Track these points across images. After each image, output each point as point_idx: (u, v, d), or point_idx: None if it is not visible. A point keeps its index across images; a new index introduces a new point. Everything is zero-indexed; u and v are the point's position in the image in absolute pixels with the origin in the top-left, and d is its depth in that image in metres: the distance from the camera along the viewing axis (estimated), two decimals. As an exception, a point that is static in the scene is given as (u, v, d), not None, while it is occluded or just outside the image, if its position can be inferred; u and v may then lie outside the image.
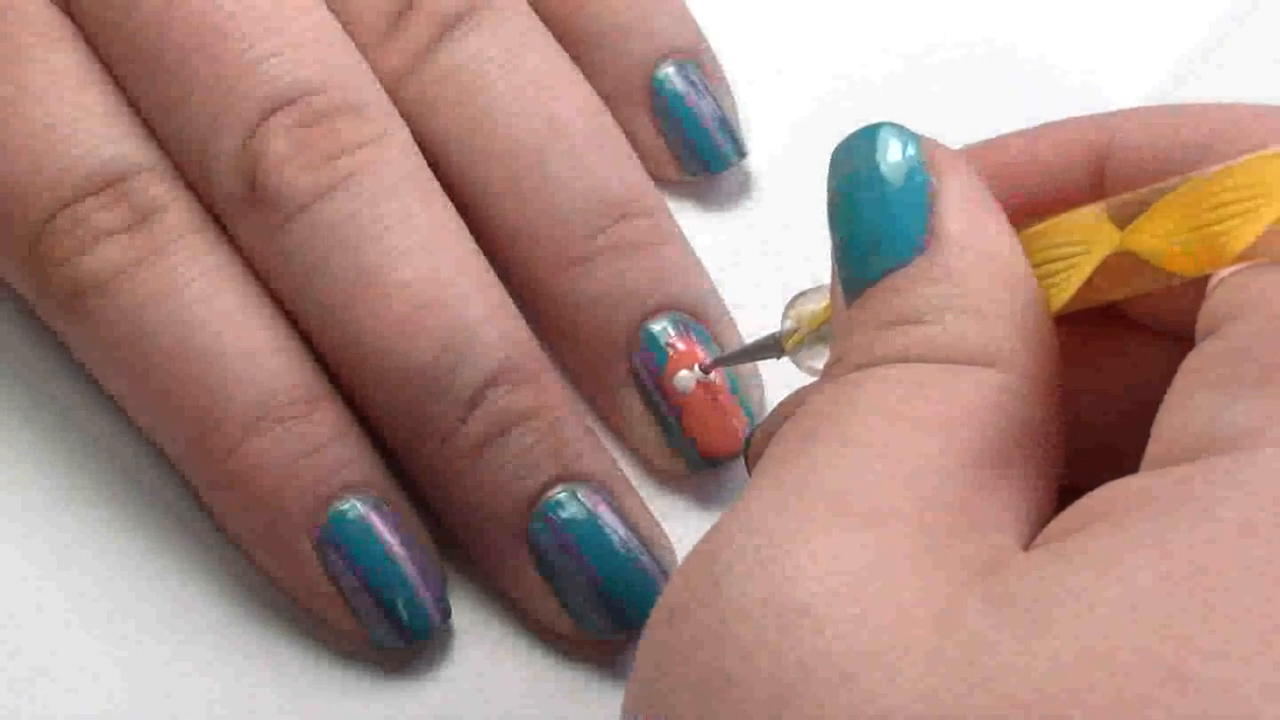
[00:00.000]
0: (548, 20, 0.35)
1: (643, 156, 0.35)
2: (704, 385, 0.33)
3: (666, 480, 0.34)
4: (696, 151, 0.36)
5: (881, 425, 0.23)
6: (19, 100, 0.32)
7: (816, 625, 0.21)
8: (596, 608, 0.32)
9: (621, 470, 0.33)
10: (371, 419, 0.32)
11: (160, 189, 0.32)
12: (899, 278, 0.25)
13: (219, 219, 0.33)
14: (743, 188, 0.37)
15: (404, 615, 0.31)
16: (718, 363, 0.33)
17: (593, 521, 0.32)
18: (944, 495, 0.22)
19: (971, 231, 0.25)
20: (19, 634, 0.32)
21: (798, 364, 0.30)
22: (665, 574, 0.32)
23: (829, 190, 0.26)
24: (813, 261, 0.36)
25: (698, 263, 0.35)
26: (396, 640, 0.32)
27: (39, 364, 0.34)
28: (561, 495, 0.32)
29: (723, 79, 0.37)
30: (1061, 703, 0.19)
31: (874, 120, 0.26)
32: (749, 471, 0.31)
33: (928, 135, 0.26)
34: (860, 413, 0.23)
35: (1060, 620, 0.20)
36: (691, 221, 0.35)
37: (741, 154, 0.36)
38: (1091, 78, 0.38)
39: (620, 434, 0.34)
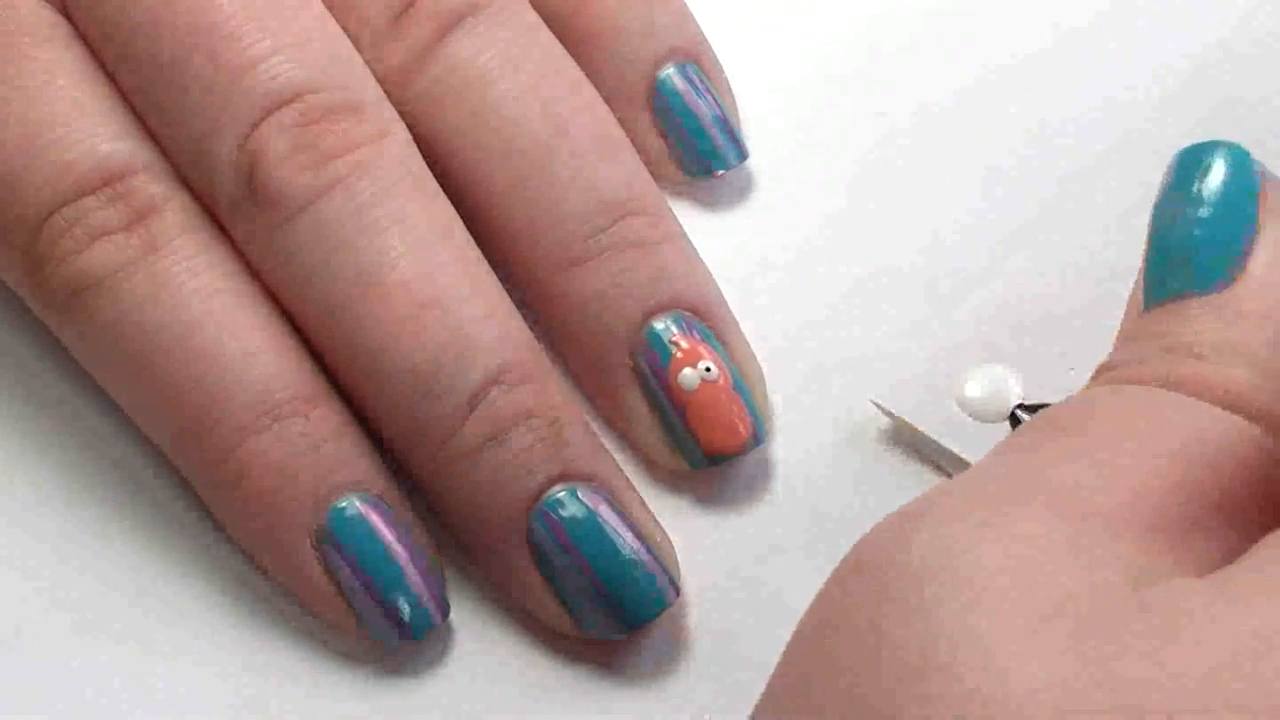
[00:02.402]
0: (549, 20, 0.35)
1: (643, 157, 0.35)
2: (708, 384, 0.33)
3: (668, 480, 0.34)
4: (697, 152, 0.36)
5: (1123, 442, 0.23)
6: (15, 99, 0.32)
7: (974, 599, 0.21)
8: (597, 607, 0.32)
9: (622, 470, 0.33)
10: (371, 419, 0.32)
11: (158, 187, 0.32)
12: (1195, 305, 0.25)
13: (217, 218, 0.33)
14: (743, 188, 0.37)
15: (404, 614, 0.31)
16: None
17: (593, 521, 0.32)
18: (1159, 518, 0.23)
19: (1274, 280, 0.25)
20: (19, 634, 0.32)
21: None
22: (666, 574, 0.32)
23: (1162, 188, 0.26)
24: (812, 261, 0.36)
25: (700, 262, 0.35)
26: (396, 639, 0.32)
27: (39, 364, 0.34)
28: (562, 494, 0.32)
29: (723, 79, 0.37)
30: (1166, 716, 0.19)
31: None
32: None
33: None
34: (1107, 424, 0.24)
35: (1189, 638, 0.20)
36: (691, 221, 0.35)
37: (742, 156, 0.36)
38: (1097, 77, 0.38)
39: (622, 433, 0.34)
